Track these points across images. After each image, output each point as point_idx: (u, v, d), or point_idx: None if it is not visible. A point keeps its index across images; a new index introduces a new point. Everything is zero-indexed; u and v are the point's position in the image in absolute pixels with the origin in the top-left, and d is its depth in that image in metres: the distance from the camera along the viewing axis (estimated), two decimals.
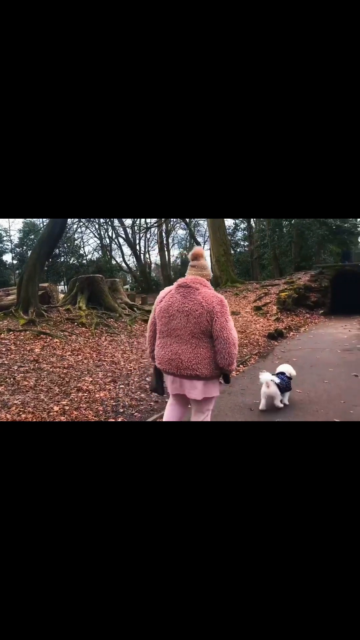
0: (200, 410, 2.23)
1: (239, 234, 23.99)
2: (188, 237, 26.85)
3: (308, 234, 16.01)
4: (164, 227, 24.25)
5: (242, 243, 24.26)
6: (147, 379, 4.50)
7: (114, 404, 3.80)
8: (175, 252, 29.37)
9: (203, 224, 23.88)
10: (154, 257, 28.42)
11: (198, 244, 25.30)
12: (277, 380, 3.54)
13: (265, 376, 3.48)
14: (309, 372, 4.91)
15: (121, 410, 3.66)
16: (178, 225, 26.27)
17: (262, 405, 3.52)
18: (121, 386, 4.35)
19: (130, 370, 5.01)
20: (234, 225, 23.17)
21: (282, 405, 3.53)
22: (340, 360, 5.48)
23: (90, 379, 4.49)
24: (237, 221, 22.81)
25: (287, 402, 3.63)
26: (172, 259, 28.48)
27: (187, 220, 23.62)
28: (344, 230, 16.56)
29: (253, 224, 21.92)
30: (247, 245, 22.79)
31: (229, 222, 24.98)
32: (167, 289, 2.22)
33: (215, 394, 2.18)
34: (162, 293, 2.22)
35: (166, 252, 25.95)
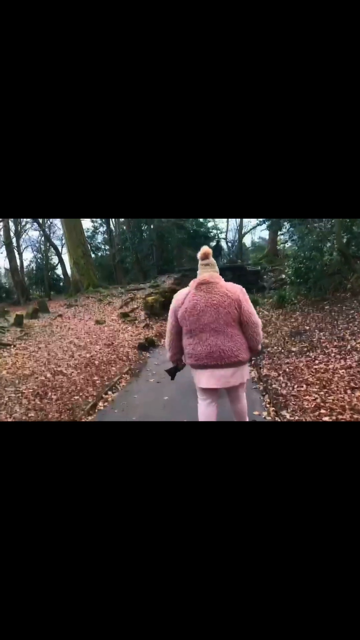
0: (240, 396, 2.46)
1: (99, 237, 22.89)
2: (42, 239, 24.19)
3: (168, 238, 16.04)
4: (12, 227, 21.20)
5: (102, 246, 23.20)
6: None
7: None
8: (28, 255, 26.01)
9: (57, 223, 21.87)
10: (1, 260, 24.62)
11: (54, 246, 23.23)
12: None
13: None
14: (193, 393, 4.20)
15: None
16: (30, 226, 23.45)
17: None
18: None
19: None
20: (92, 228, 21.93)
21: None
22: None
23: None
24: (96, 224, 21.66)
25: None
26: (25, 263, 25.20)
27: (40, 220, 21.28)
28: (200, 234, 17.24)
29: (113, 227, 21.23)
30: (108, 249, 21.89)
31: (87, 224, 23.67)
32: (182, 292, 2.31)
33: (248, 376, 2.40)
34: (179, 296, 2.29)
35: (17, 255, 22.65)
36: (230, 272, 12.12)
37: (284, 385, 3.87)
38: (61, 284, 23.75)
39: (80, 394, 4.17)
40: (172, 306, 2.32)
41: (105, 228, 21.89)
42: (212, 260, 2.32)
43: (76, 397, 4.05)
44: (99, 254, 22.88)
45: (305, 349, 4.87)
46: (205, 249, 2.33)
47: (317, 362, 4.31)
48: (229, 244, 26.97)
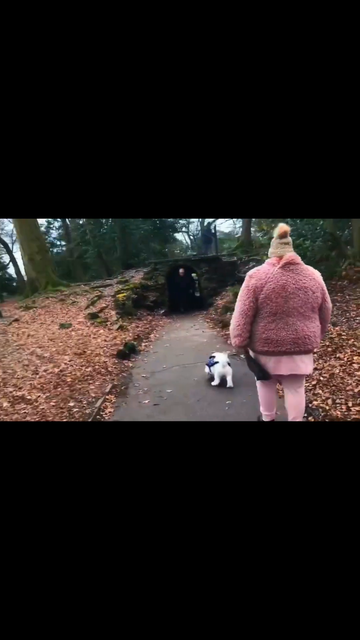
0: (300, 387, 2.32)
1: (54, 233, 21.09)
2: None
3: (132, 230, 14.87)
4: None
5: (58, 242, 21.40)
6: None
7: None
8: None
9: (4, 219, 19.80)
10: None
11: (4, 243, 21.16)
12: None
13: (222, 357, 3.90)
14: (200, 409, 3.24)
15: None
16: None
17: (215, 382, 3.94)
18: None
19: None
20: (46, 223, 20.12)
21: (232, 384, 3.84)
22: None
23: None
24: (49, 219, 19.91)
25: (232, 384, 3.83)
26: None
27: None
28: (167, 225, 16.21)
29: (69, 222, 19.64)
30: (65, 245, 20.22)
31: (40, 220, 21.72)
32: (260, 269, 2.15)
33: None
34: (258, 274, 2.12)
35: None
36: (206, 263, 11.27)
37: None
38: (14, 284, 21.66)
39: None
40: (250, 284, 2.11)
41: (59, 223, 20.25)
42: (290, 238, 2.17)
43: None
44: (54, 250, 21.08)
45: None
46: (283, 226, 2.16)
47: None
48: (192, 237, 26.24)
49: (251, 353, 2.26)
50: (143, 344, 6.45)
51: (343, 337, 4.17)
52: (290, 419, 2.38)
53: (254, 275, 2.12)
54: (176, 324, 8.74)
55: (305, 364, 2.15)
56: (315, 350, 2.22)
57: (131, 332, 6.99)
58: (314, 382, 3.33)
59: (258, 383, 2.39)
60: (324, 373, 3.45)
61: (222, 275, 11.06)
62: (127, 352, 5.53)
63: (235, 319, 2.19)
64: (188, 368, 4.69)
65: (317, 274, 2.13)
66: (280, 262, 2.08)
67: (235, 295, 8.22)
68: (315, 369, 3.60)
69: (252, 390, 3.58)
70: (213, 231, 14.11)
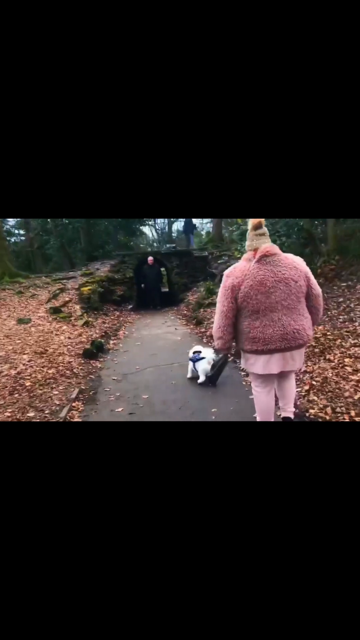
0: (293, 380, 2.28)
1: (11, 221, 19.63)
2: None
3: (96, 221, 14.12)
4: None
5: (16, 231, 20.00)
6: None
7: None
8: None
9: None
10: None
11: None
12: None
13: (208, 352, 3.64)
14: (183, 420, 2.85)
15: None
16: None
17: (201, 379, 3.60)
18: None
19: None
20: None
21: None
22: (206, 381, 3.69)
23: None
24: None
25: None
26: None
27: None
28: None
29: None
30: (24, 234, 18.92)
31: None
32: (236, 267, 2.03)
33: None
34: (234, 272, 2.00)
35: None
36: (177, 257, 10.87)
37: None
38: None
39: None
40: (227, 284, 2.00)
41: None
42: (265, 229, 2.06)
43: None
44: (12, 239, 19.66)
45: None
46: (258, 219, 2.04)
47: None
48: (159, 231, 25.69)
49: (241, 354, 2.18)
50: (111, 342, 5.95)
51: (329, 337, 3.96)
52: (281, 405, 2.34)
53: (231, 274, 2.01)
54: (146, 320, 8.30)
55: (295, 361, 2.03)
56: (308, 343, 2.11)
57: (98, 329, 6.46)
58: (306, 387, 3.05)
59: (255, 390, 2.25)
60: (316, 377, 3.19)
61: (194, 270, 10.73)
62: (95, 351, 5.01)
63: (217, 321, 2.08)
64: (164, 369, 4.28)
65: (298, 261, 2.00)
66: (255, 255, 1.96)
67: (208, 291, 7.86)
68: (305, 371, 3.34)
69: (239, 395, 3.25)
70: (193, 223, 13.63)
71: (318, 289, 2.05)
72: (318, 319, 2.14)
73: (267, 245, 1.98)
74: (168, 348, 5.28)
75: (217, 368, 3.50)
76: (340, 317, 4.46)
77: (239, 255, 9.55)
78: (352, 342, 3.69)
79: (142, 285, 10.32)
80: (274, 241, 6.21)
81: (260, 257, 1.94)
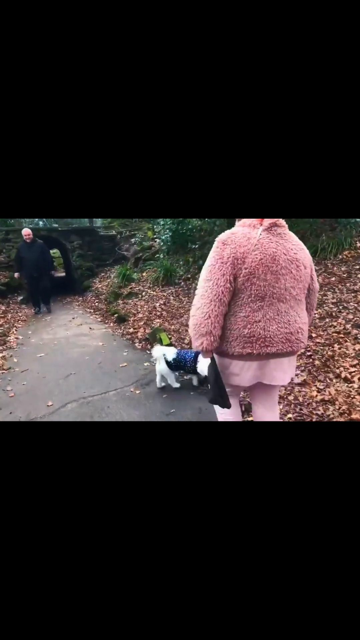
0: (275, 399, 1.75)
1: None
2: None
3: None
4: None
5: None
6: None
7: None
8: None
9: None
10: None
11: None
12: (171, 355, 2.88)
13: (157, 351, 2.95)
14: None
15: None
16: None
17: (158, 383, 3.07)
18: None
19: None
20: None
21: (177, 385, 3.01)
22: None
23: None
24: None
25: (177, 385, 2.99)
26: None
27: None
28: None
29: None
30: None
31: None
32: (237, 232, 1.46)
33: None
34: (236, 239, 1.43)
35: None
36: (77, 235, 8.94)
37: None
38: None
39: None
40: (224, 254, 1.42)
41: None
42: None
43: None
44: None
45: None
46: None
47: None
48: None
49: (218, 360, 1.58)
50: (14, 334, 4.06)
51: (326, 344, 3.02)
52: None
53: (229, 241, 1.43)
54: (45, 316, 6.39)
55: (292, 369, 1.62)
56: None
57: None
58: (328, 414, 2.01)
59: (221, 415, 1.77)
60: (337, 400, 2.16)
61: (100, 251, 9.02)
62: None
63: (203, 309, 1.44)
64: (95, 403, 2.77)
65: (303, 245, 1.60)
66: (262, 222, 1.45)
67: (124, 277, 6.25)
68: (318, 389, 2.32)
69: None
70: None
71: (317, 284, 1.63)
72: (311, 320, 1.82)
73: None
74: (91, 361, 3.72)
75: (214, 381, 2.10)
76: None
77: (153, 236, 8.24)
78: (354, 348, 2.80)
79: (16, 273, 6.75)
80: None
81: (271, 226, 1.45)
